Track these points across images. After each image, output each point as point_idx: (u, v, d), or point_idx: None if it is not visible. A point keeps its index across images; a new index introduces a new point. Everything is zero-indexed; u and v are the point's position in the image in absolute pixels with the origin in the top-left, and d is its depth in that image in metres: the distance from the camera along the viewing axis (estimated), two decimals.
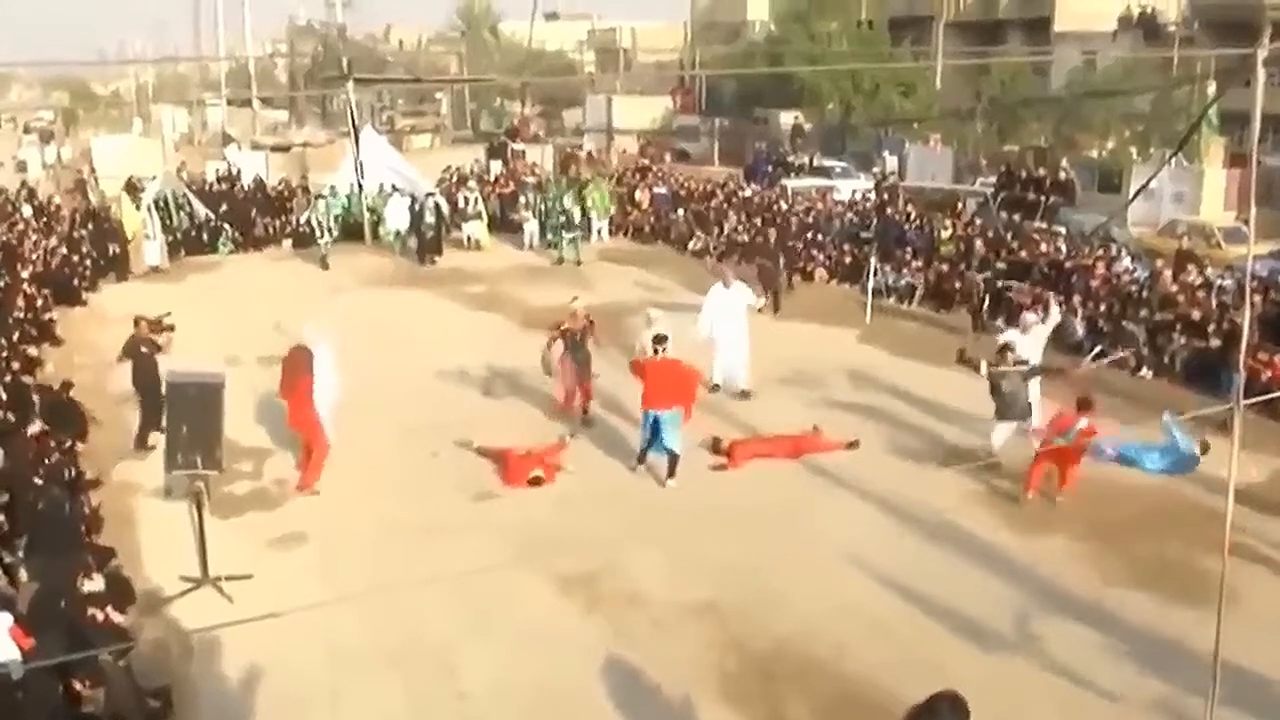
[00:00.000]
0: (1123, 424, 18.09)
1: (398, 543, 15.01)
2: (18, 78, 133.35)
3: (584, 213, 37.63)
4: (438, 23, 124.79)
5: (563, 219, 35.45)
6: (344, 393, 17.32)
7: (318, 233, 34.58)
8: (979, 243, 28.80)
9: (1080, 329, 23.92)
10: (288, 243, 35.97)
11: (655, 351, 17.33)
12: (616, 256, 35.59)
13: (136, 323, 19.27)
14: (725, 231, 35.99)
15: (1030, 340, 18.47)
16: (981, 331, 25.13)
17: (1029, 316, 19.47)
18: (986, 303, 26.69)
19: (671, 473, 17.08)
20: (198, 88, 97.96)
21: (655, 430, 17.05)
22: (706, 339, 20.96)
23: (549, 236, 36.06)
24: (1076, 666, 11.98)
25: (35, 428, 16.50)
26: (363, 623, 12.67)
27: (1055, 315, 19.24)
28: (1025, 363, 17.76)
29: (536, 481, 17.05)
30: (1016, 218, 35.23)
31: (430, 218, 35.38)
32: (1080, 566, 14.38)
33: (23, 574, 13.27)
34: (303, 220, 36.10)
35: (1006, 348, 17.76)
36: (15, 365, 20.79)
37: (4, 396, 18.38)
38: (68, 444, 16.92)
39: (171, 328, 19.96)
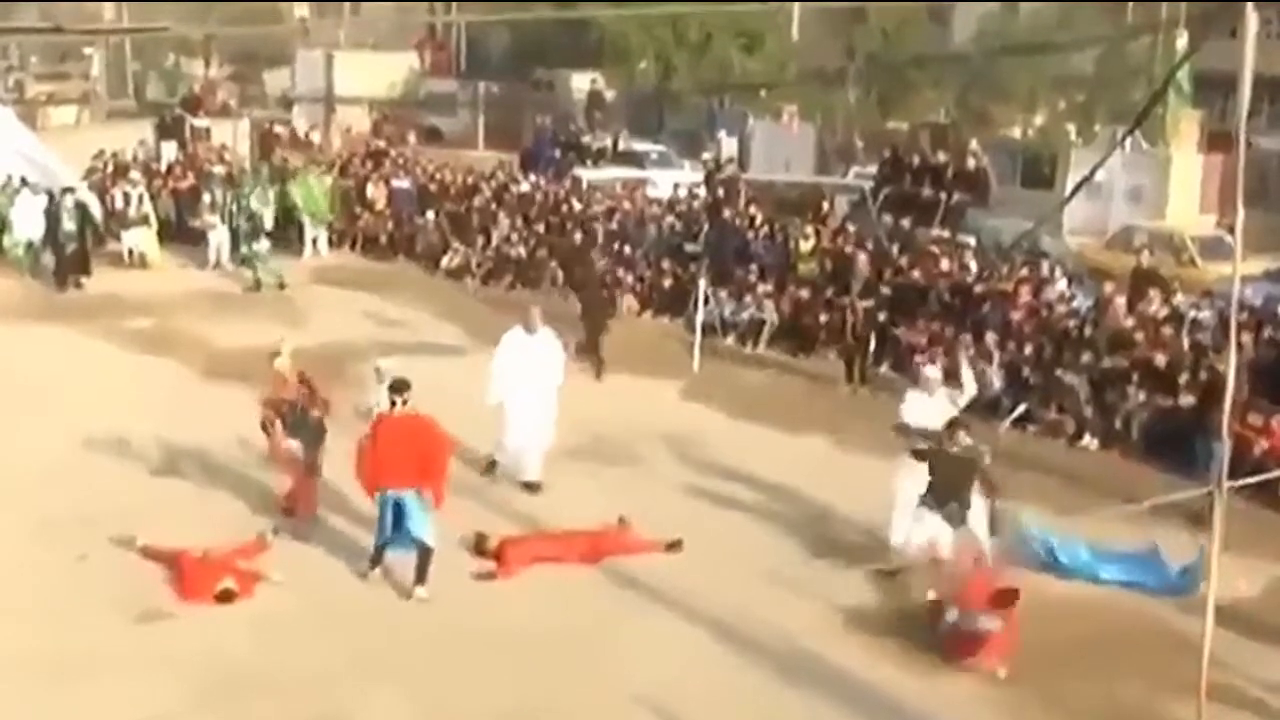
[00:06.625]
0: (1058, 513, 18.36)
1: (29, 685, 14.71)
2: None
3: (290, 217, 38.07)
4: None
5: (249, 224, 35.74)
6: None
7: None
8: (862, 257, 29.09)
9: (997, 380, 24.21)
10: None
11: (392, 405, 17.34)
12: (339, 278, 35.78)
13: None
14: (494, 242, 36.13)
15: (934, 406, 18.52)
16: (860, 384, 25.49)
17: (929, 371, 19.55)
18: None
19: (421, 577, 17.07)
20: None
21: (398, 517, 17.01)
22: (497, 405, 20.92)
23: (243, 250, 36.10)
24: None
25: None
26: None
27: (970, 386, 18.89)
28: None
29: (226, 596, 16.81)
30: (906, 223, 35.86)
31: (71, 224, 35.12)
32: (996, 718, 14.46)
33: None
34: None
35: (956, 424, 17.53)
36: None
37: None
38: None
39: None
